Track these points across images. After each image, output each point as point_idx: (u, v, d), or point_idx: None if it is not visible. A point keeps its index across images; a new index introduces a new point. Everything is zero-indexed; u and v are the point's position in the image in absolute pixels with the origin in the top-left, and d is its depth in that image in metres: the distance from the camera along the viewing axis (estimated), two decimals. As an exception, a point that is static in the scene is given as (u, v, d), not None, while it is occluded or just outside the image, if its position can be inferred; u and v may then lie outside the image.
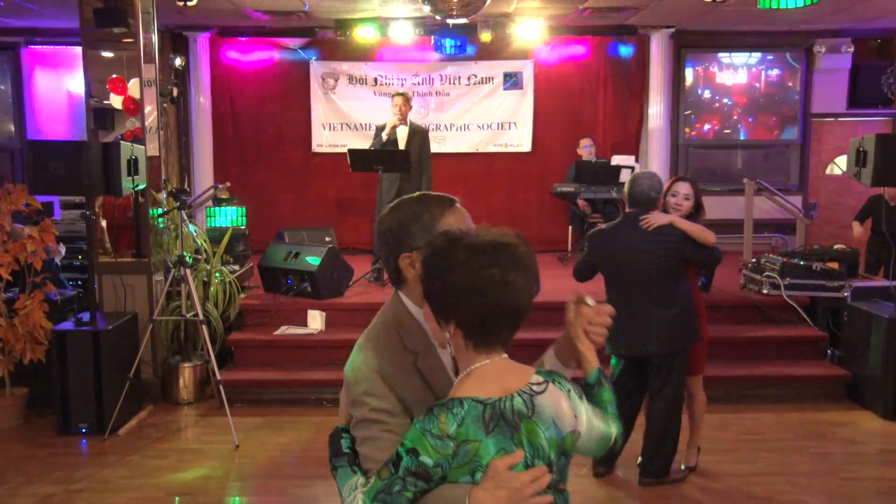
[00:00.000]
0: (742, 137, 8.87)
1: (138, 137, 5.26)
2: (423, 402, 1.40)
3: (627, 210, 3.76)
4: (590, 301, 1.54)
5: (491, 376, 1.38)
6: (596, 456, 1.53)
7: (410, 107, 6.61)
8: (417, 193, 1.65)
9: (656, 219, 3.63)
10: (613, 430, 1.50)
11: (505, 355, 1.42)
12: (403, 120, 6.48)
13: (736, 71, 8.79)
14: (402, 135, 6.51)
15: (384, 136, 6.41)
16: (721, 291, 5.93)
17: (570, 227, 8.07)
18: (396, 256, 1.53)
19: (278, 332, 5.52)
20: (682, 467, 4.03)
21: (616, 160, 7.85)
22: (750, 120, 8.85)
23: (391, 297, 1.59)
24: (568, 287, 5.51)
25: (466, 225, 1.55)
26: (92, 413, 4.64)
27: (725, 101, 8.84)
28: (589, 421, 1.45)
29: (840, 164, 8.83)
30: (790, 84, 8.78)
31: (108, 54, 5.49)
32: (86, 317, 4.78)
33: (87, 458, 4.37)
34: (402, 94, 6.54)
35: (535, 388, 1.38)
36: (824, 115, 8.78)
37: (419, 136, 6.57)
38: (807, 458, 4.28)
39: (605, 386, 1.52)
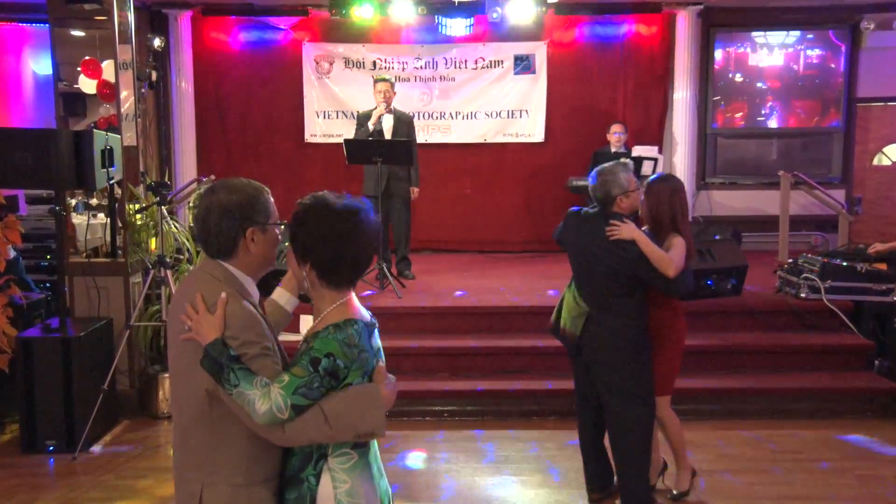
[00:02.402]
0: (777, 125, 8.79)
1: (113, 125, 5.26)
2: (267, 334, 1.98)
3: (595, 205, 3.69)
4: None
5: (358, 306, 2.02)
6: None
7: (395, 93, 6.63)
8: (238, 179, 2.12)
9: (623, 230, 3.50)
10: None
11: (353, 293, 2.03)
12: (388, 107, 6.47)
13: (771, 52, 8.69)
14: (388, 124, 6.51)
15: (371, 125, 6.41)
16: (754, 295, 5.90)
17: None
18: (245, 229, 2.02)
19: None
20: (674, 492, 3.95)
21: (637, 151, 7.79)
22: (786, 106, 8.77)
23: (206, 265, 2.05)
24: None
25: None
26: (61, 429, 4.59)
27: (759, 85, 8.75)
28: None
29: (890, 154, 8.74)
30: (832, 65, 8.68)
31: (78, 33, 5.47)
32: (55, 322, 4.76)
33: (54, 478, 4.32)
34: (386, 80, 6.55)
35: (372, 319, 2.04)
36: (871, 100, 8.68)
37: (405, 123, 6.60)
38: (852, 480, 4.21)
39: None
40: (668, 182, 3.79)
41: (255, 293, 2.07)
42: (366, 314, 2.02)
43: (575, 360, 3.79)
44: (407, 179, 6.63)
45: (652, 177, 3.91)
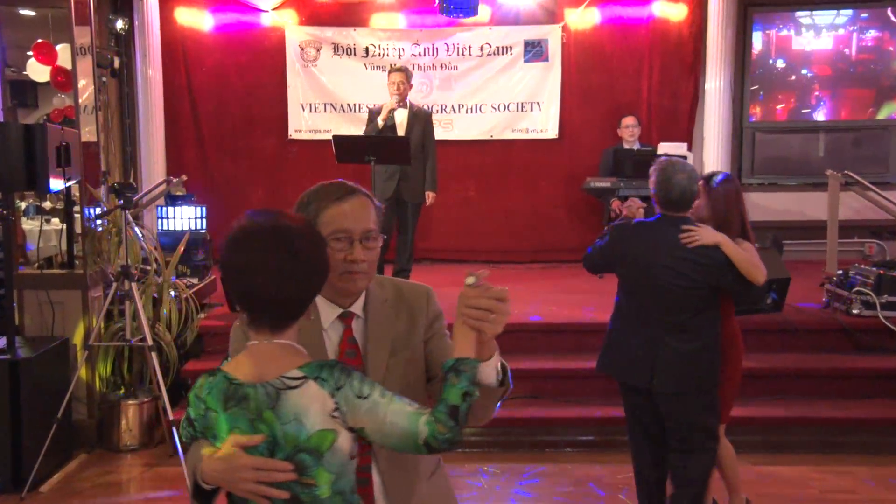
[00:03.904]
0: (825, 118, 8.77)
1: (70, 118, 5.28)
2: None
3: (661, 211, 3.64)
4: (469, 279, 1.74)
5: (256, 358, 1.79)
6: (400, 451, 1.79)
7: (411, 85, 6.66)
8: (320, 183, 2.04)
9: (703, 234, 3.51)
10: (423, 430, 1.71)
11: (280, 340, 1.79)
12: (403, 101, 6.50)
13: (818, 34, 8.68)
14: (401, 119, 6.53)
15: (380, 121, 6.44)
16: (798, 311, 5.87)
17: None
18: None
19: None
20: None
21: (663, 148, 7.76)
22: (836, 96, 8.76)
23: None
24: (603, 306, 5.40)
25: (355, 219, 1.97)
26: (6, 464, 4.54)
27: (804, 72, 8.75)
28: (380, 420, 1.73)
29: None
30: (891, 48, 8.68)
31: (28, 13, 5.47)
32: (1, 343, 4.71)
33: (0, 521, 4.29)
34: (401, 70, 6.59)
35: (288, 381, 1.74)
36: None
37: (421, 120, 6.62)
38: (913, 523, 4.17)
39: (455, 382, 1.72)
40: (733, 183, 3.85)
41: None
42: (269, 373, 1.75)
43: (631, 395, 3.74)
44: (422, 181, 6.64)
45: (718, 177, 3.87)
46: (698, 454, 3.64)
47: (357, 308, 2.07)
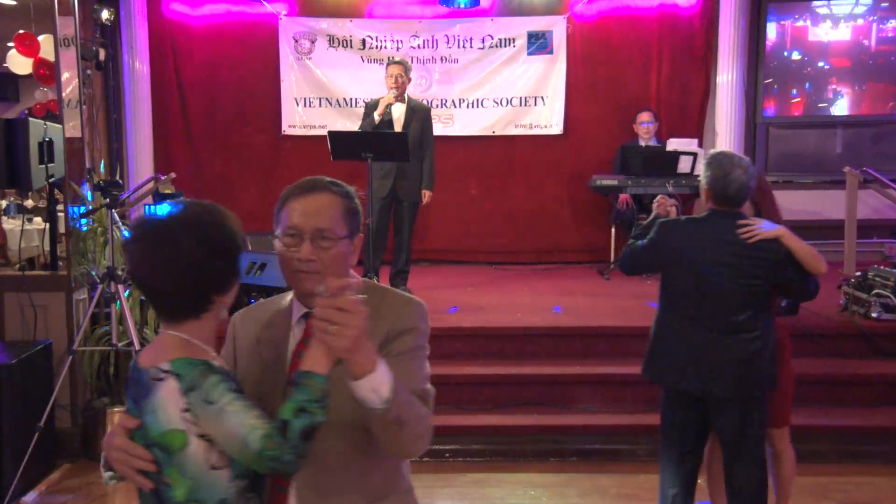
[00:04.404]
0: (843, 113, 8.75)
1: (53, 113, 5.28)
2: None
3: (712, 206, 3.61)
4: (319, 288, 1.70)
5: (155, 345, 1.92)
6: (251, 467, 1.79)
7: (409, 79, 6.66)
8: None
9: (761, 228, 3.49)
10: (256, 444, 1.71)
11: (175, 332, 1.89)
12: (401, 95, 6.50)
13: (836, 24, 8.65)
14: (399, 114, 6.53)
15: (377, 116, 6.44)
16: (815, 314, 5.82)
17: (613, 231, 7.99)
18: None
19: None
20: None
21: (673, 144, 7.79)
22: (855, 90, 8.74)
23: None
24: (610, 309, 5.40)
25: (307, 216, 1.97)
26: (-13, 475, 4.53)
27: (821, 64, 8.72)
28: (223, 429, 1.77)
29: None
30: (914, 39, 8.65)
31: (9, 2, 5.48)
32: (-19, 347, 4.71)
33: (-21, 534, 4.28)
34: (399, 63, 6.59)
35: (155, 373, 1.83)
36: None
37: (420, 115, 6.61)
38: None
39: (294, 395, 1.71)
40: (762, 173, 3.91)
41: None
42: (157, 359, 1.87)
43: (679, 408, 3.70)
44: (419, 180, 6.62)
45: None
46: (747, 462, 3.62)
47: None
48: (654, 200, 3.99)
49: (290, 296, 2.08)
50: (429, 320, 2.08)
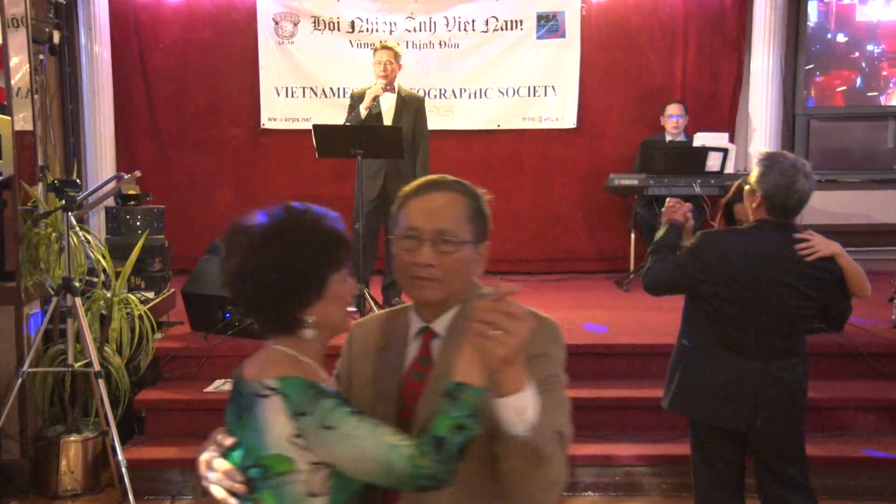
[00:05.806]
0: (895, 103, 8.77)
1: (0, 104, 5.22)
2: None
3: (764, 216, 3.58)
4: (486, 289, 1.72)
5: (259, 358, 1.99)
6: (395, 487, 1.83)
7: (400, 66, 6.63)
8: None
9: (819, 244, 3.48)
10: (402, 464, 1.75)
11: (278, 345, 1.96)
12: (390, 85, 6.49)
13: (887, 1, 8.68)
14: (388, 106, 6.52)
15: (363, 109, 6.43)
16: (862, 331, 5.82)
17: (633, 237, 8.00)
18: None
19: (211, 388, 5.47)
20: None
21: (700, 139, 7.83)
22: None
23: None
24: (630, 324, 5.35)
25: (427, 216, 1.99)
26: (-75, 513, 4.52)
27: (869, 48, 8.75)
28: (353, 453, 1.81)
29: None
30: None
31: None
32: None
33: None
34: (388, 48, 6.58)
35: (261, 388, 1.89)
36: None
37: (411, 106, 6.60)
38: None
39: (449, 410, 1.73)
40: None
41: None
42: (261, 374, 1.97)
43: (716, 442, 3.69)
44: (411, 177, 6.60)
45: None
46: (799, 494, 3.62)
47: (440, 325, 2.02)
48: (666, 208, 3.90)
49: (410, 308, 2.10)
50: (564, 344, 2.05)
